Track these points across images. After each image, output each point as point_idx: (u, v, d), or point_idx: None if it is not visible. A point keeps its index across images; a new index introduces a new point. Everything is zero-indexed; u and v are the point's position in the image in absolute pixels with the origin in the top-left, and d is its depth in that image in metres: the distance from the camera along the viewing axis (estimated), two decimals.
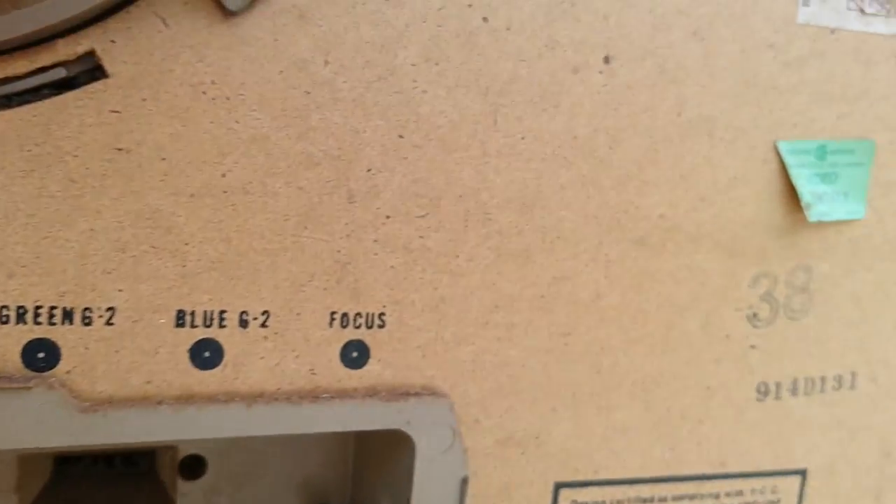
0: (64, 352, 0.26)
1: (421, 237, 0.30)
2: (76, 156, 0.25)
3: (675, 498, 0.36)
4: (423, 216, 0.29)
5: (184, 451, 0.35)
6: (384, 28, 0.28)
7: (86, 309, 0.26)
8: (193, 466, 0.35)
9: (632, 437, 0.35)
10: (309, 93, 0.27)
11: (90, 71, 0.25)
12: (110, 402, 0.27)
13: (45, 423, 0.26)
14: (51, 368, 0.26)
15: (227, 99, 0.26)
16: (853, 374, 0.39)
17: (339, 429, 0.30)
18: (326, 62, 0.27)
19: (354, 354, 0.30)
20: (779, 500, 0.38)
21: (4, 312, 0.25)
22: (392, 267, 0.29)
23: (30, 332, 0.26)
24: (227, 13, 0.25)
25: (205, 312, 0.27)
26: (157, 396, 0.27)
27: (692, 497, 0.36)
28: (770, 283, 0.36)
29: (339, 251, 0.29)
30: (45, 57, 0.24)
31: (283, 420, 0.29)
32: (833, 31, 0.35)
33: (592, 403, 0.34)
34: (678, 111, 0.33)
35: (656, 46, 0.32)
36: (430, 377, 0.31)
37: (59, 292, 0.26)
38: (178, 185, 0.26)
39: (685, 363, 0.35)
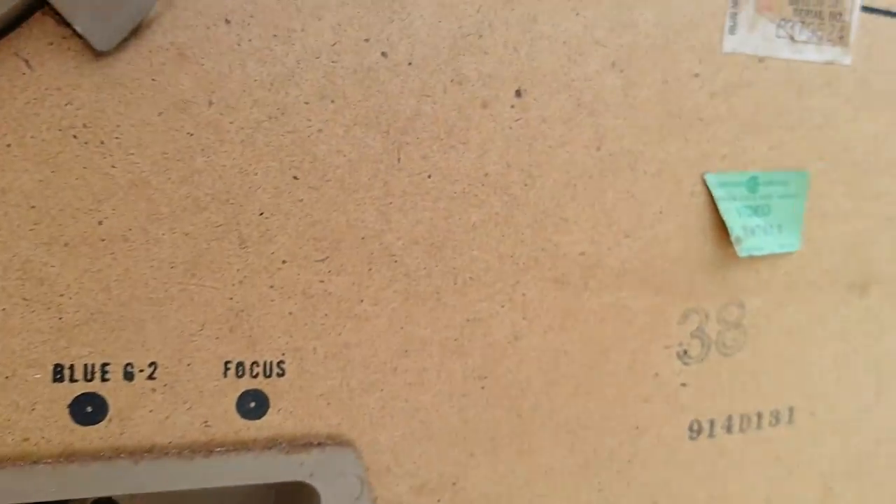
0: None
1: (321, 282, 0.28)
2: None
3: None
4: (322, 260, 0.28)
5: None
6: (273, 65, 0.26)
7: None
8: None
9: (556, 480, 0.33)
10: (192, 134, 0.25)
11: None
12: None
13: None
14: None
15: (102, 143, 0.24)
16: (791, 409, 0.37)
17: (236, 483, 0.28)
18: (210, 102, 0.25)
19: (252, 404, 0.28)
20: None
21: None
22: (290, 313, 0.27)
23: None
24: (97, 53, 0.23)
25: (85, 366, 0.25)
26: (35, 455, 0.25)
27: None
28: (701, 320, 0.34)
29: (231, 298, 0.27)
30: None
31: (173, 476, 0.27)
32: (762, 59, 0.33)
33: (513, 447, 0.32)
34: (597, 145, 0.31)
35: (572, 79, 0.30)
36: (336, 426, 0.29)
37: None
38: (50, 234, 0.24)
39: (612, 403, 0.33)
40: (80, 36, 0.23)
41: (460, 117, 0.28)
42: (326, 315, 0.28)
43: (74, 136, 0.24)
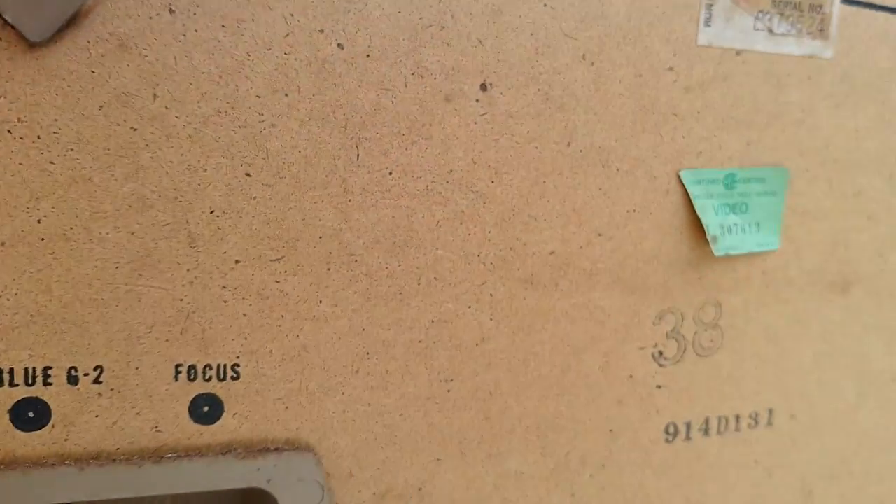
0: None
1: (277, 282, 0.26)
2: None
3: None
4: (278, 259, 0.26)
5: None
6: (221, 57, 0.24)
7: None
8: None
9: (527, 484, 0.31)
10: (136, 129, 0.23)
11: None
12: None
13: None
14: None
15: (39, 138, 0.23)
16: (770, 411, 0.35)
17: (188, 489, 0.26)
18: (155, 96, 0.23)
19: (206, 409, 0.26)
20: None
21: None
22: (245, 315, 0.26)
23: None
24: (31, 44, 0.22)
25: (26, 370, 0.24)
26: None
27: None
28: (677, 320, 0.32)
29: (181, 299, 0.25)
30: None
31: (122, 483, 0.25)
32: (739, 52, 0.31)
33: (481, 451, 0.30)
34: (567, 141, 0.29)
35: (540, 72, 0.28)
36: (295, 430, 0.27)
37: None
38: None
39: (584, 406, 0.31)
40: (11, 26, 0.21)
41: (422, 112, 0.27)
42: (283, 316, 0.26)
43: (9, 132, 0.22)
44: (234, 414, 0.26)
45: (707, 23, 0.30)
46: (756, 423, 0.35)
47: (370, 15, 0.25)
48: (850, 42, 0.33)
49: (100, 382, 0.25)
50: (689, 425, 0.34)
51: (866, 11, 0.33)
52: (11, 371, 0.24)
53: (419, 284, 0.28)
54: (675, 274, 0.32)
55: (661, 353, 0.32)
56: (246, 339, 0.26)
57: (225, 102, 0.24)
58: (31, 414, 0.24)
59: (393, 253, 0.27)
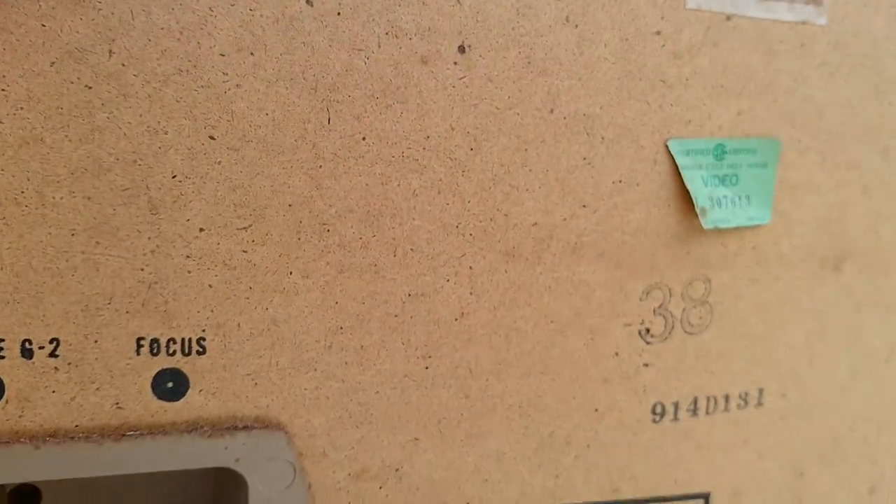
0: None
1: (244, 252, 0.24)
2: None
3: None
4: (245, 228, 0.24)
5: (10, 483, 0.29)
6: (182, 12, 0.22)
7: None
8: (25, 500, 0.30)
9: (508, 465, 0.30)
10: (91, 87, 0.22)
11: None
12: None
13: None
14: None
15: None
16: (760, 391, 0.33)
17: (151, 469, 0.24)
18: (111, 52, 0.22)
19: (169, 385, 0.24)
20: None
21: None
22: (210, 286, 0.24)
23: None
24: None
25: None
26: None
27: None
28: (664, 296, 0.31)
29: (142, 269, 0.23)
30: None
31: (80, 461, 0.23)
32: (729, 17, 0.29)
33: (461, 431, 0.29)
34: (550, 107, 0.27)
35: (521, 34, 0.26)
36: (265, 408, 0.26)
37: None
38: None
39: (568, 384, 0.30)
40: None
41: (397, 74, 0.25)
42: (251, 288, 0.25)
43: None
44: (200, 390, 0.25)
45: None
46: (746, 402, 0.33)
47: None
48: (844, 8, 0.31)
49: (56, 356, 0.23)
50: (676, 405, 0.32)
51: None
52: None
53: (395, 256, 0.26)
54: (663, 248, 0.30)
55: (647, 331, 0.31)
56: (212, 311, 0.24)
57: (186, 61, 0.23)
58: None
59: (367, 223, 0.26)
